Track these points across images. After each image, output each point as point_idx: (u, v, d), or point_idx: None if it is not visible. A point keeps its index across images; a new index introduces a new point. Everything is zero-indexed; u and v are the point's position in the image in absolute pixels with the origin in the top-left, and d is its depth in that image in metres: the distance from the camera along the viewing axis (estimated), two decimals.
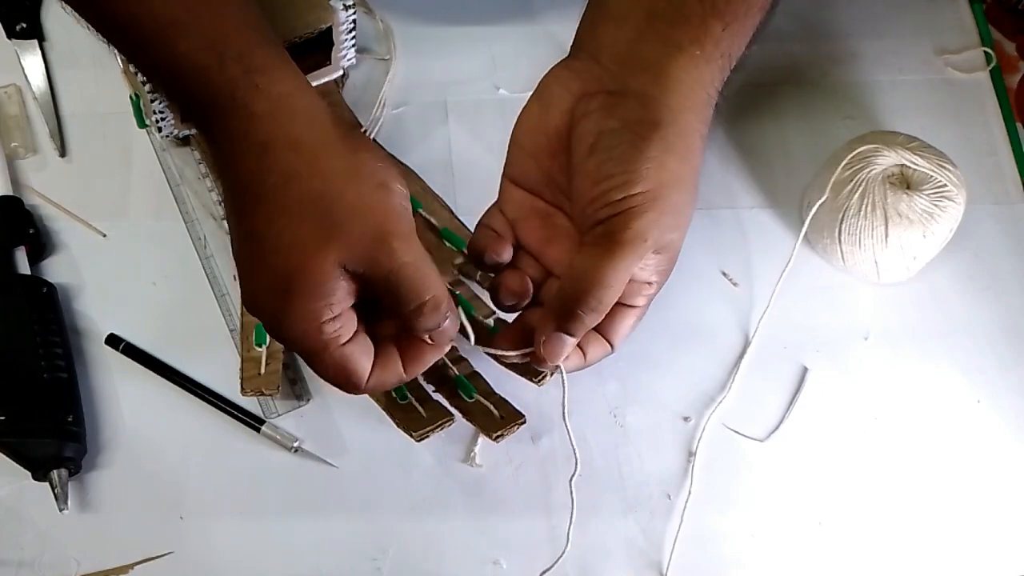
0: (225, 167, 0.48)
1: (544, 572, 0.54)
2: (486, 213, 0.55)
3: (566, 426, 0.53)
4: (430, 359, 0.50)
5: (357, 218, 0.46)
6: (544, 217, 0.54)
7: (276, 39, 0.50)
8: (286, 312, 0.46)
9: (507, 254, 0.54)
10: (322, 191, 0.46)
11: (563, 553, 0.54)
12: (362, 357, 0.48)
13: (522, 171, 0.54)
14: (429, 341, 0.49)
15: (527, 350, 0.52)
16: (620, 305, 0.51)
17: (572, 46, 0.53)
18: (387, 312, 0.49)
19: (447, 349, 0.51)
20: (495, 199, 0.55)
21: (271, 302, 0.47)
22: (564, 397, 0.53)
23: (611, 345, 0.53)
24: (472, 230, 0.61)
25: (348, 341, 0.47)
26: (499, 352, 0.53)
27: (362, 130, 0.66)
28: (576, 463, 0.54)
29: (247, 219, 0.47)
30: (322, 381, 0.55)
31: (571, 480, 0.54)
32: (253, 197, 0.47)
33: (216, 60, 0.46)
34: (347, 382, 0.48)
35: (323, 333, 0.46)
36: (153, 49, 0.47)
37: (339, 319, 0.47)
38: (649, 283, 0.52)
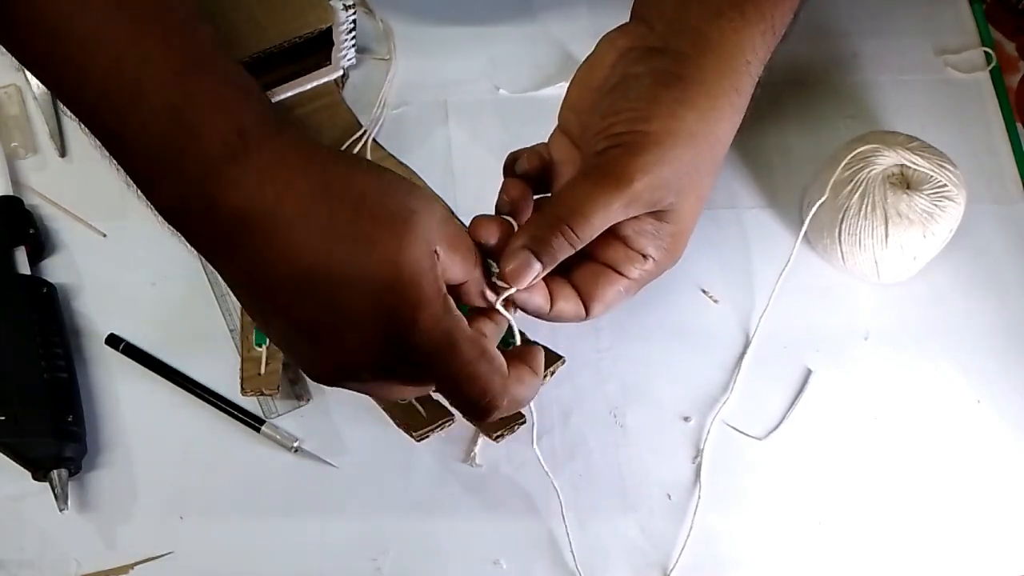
0: (235, 220, 0.44)
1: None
2: (535, 145, 0.53)
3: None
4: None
5: (427, 196, 0.44)
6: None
7: (258, 87, 0.45)
8: (412, 317, 0.42)
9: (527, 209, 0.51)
10: (380, 179, 0.43)
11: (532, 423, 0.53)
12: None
13: (567, 123, 0.53)
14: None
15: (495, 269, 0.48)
16: (605, 268, 0.50)
17: (630, 17, 0.53)
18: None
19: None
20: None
21: (381, 321, 0.42)
22: (515, 328, 0.49)
23: (586, 310, 0.50)
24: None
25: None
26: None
27: (362, 130, 0.66)
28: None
29: (298, 259, 0.42)
30: None
31: None
32: (300, 232, 0.42)
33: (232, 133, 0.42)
34: (492, 376, 0.44)
35: (450, 315, 0.43)
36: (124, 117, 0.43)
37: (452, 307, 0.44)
38: (644, 255, 0.49)
